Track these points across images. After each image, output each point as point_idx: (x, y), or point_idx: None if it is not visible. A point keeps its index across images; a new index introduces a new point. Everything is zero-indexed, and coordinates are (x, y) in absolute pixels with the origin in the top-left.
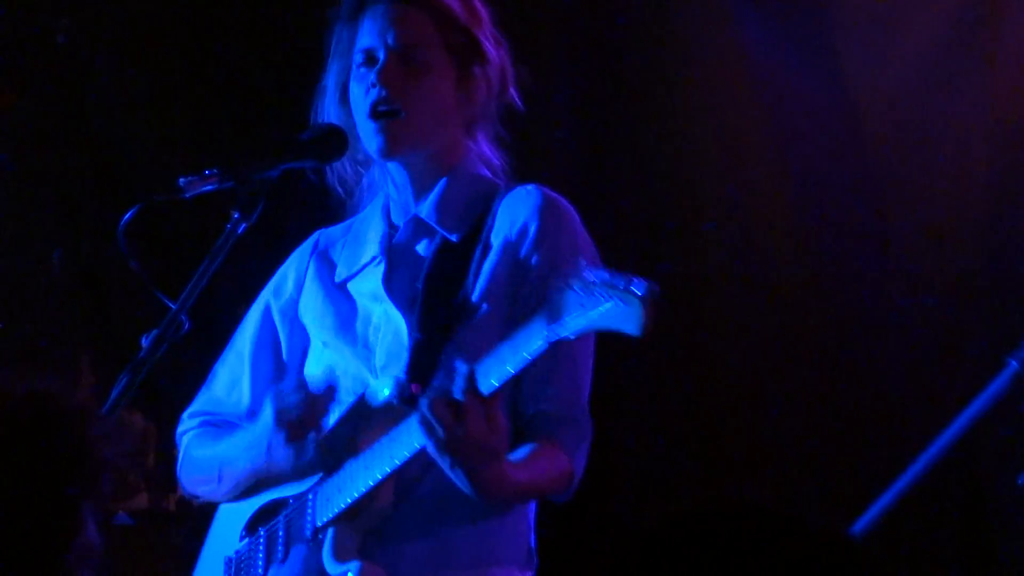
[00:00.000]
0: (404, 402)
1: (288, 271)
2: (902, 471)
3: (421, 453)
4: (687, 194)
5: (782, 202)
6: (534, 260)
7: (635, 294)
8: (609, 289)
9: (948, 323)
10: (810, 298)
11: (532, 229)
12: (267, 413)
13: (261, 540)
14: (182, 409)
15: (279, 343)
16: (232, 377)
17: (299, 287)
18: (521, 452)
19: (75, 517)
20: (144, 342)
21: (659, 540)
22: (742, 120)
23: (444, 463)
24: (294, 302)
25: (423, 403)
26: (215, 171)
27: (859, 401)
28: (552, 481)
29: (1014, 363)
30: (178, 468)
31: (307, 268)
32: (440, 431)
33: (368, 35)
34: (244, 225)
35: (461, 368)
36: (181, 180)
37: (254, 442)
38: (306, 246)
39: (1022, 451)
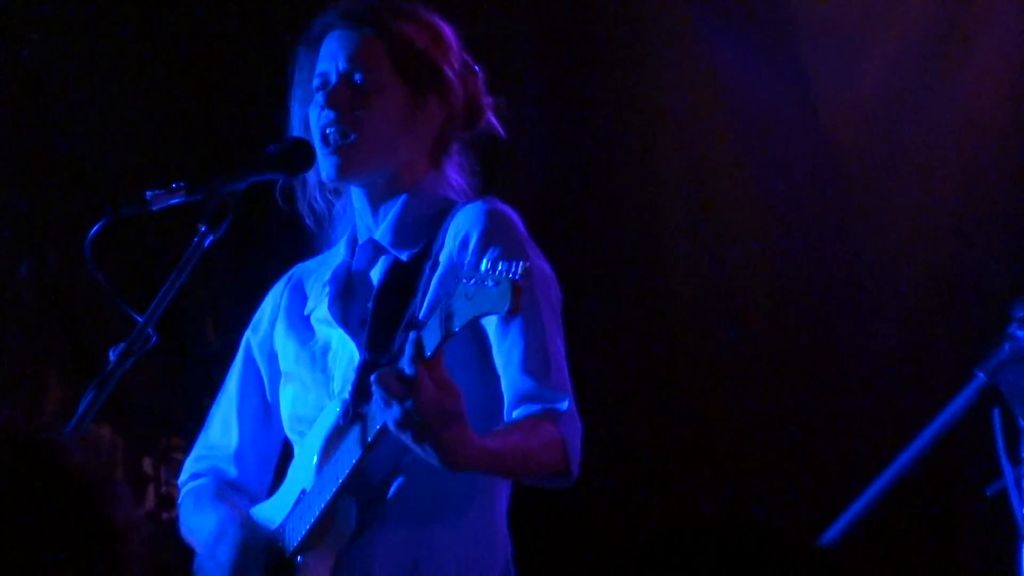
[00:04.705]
0: (350, 423)
1: (265, 307)
2: (871, 482)
3: (359, 467)
4: (656, 207)
5: (750, 215)
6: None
7: (508, 278)
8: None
9: (915, 334)
10: (777, 309)
11: (473, 237)
12: (226, 545)
13: None
14: (150, 423)
15: (262, 380)
16: (224, 419)
17: (272, 322)
18: (497, 428)
19: None
20: (111, 355)
21: (631, 557)
22: (711, 132)
23: (408, 438)
24: (269, 336)
25: (372, 380)
26: (182, 184)
27: (827, 412)
28: (539, 449)
29: (981, 375)
30: (179, 519)
31: (280, 301)
32: (395, 404)
33: (323, 60)
34: (211, 238)
35: (411, 336)
36: (148, 193)
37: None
38: (281, 280)
39: (990, 462)
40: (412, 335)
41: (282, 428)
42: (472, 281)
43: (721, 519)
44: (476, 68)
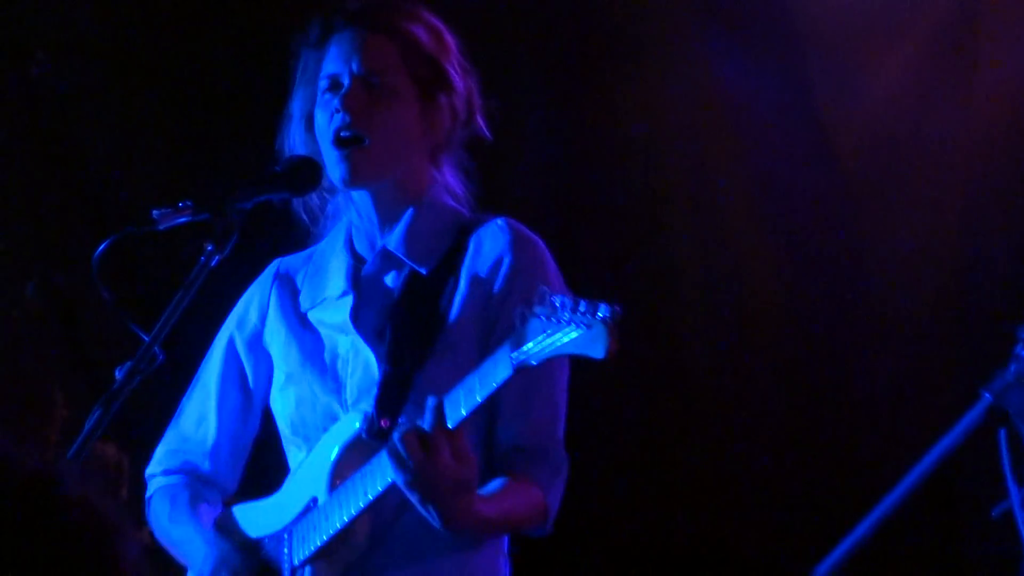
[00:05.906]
0: (373, 437)
1: (251, 301)
2: (875, 504)
3: (393, 488)
4: (659, 220)
5: (755, 228)
6: (509, 296)
7: (599, 318)
8: (573, 314)
9: (921, 354)
10: (779, 327)
11: (505, 264)
12: (211, 559)
13: None
14: (156, 442)
15: (245, 376)
16: (199, 413)
17: (263, 317)
18: (492, 486)
19: None
20: (118, 374)
21: None
22: (715, 145)
23: (414, 498)
24: (259, 332)
25: (394, 438)
26: (189, 203)
27: (830, 432)
28: (525, 515)
29: (988, 395)
30: (146, 512)
31: (269, 297)
32: (411, 465)
33: (333, 61)
34: (218, 257)
35: (431, 402)
36: (155, 212)
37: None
38: (266, 275)
39: (996, 484)
40: (432, 401)
41: (257, 424)
42: (547, 317)
43: (714, 550)
44: (471, 69)
